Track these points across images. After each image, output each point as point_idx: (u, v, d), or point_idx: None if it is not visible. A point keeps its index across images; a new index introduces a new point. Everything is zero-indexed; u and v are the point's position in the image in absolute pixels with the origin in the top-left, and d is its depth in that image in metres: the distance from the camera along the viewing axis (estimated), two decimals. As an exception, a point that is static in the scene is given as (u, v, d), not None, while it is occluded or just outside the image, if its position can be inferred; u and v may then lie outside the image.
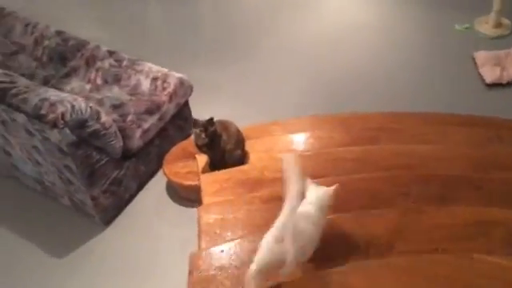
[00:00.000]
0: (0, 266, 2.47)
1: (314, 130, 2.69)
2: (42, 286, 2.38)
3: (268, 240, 1.50)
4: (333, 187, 1.61)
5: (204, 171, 2.46)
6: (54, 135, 2.16)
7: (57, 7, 4.39)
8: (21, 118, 2.19)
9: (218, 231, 1.84)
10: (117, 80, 2.78)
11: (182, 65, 3.24)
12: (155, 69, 2.78)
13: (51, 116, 2.10)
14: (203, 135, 2.32)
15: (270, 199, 1.97)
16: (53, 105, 2.14)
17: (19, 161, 2.58)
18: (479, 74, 3.43)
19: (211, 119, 2.35)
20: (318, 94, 3.41)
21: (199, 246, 1.78)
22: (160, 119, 2.65)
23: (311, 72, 3.60)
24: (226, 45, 3.94)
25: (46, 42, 2.96)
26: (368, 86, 3.45)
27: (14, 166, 2.67)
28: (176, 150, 2.73)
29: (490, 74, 3.36)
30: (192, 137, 2.42)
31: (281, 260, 1.49)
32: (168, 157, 2.70)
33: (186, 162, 2.63)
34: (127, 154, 2.56)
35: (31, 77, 2.83)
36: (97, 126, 2.28)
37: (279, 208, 1.89)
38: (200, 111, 3.01)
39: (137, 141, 2.56)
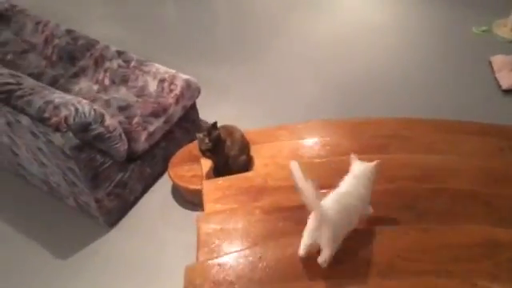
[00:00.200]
0: (4, 266, 2.49)
1: (321, 136, 2.63)
2: (45, 287, 2.40)
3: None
4: (375, 162, 1.75)
5: (208, 176, 2.44)
6: (57, 138, 2.15)
7: (69, 4, 4.40)
8: (25, 120, 2.19)
9: (216, 242, 1.82)
10: (124, 81, 2.77)
11: (191, 63, 3.22)
12: (163, 70, 2.76)
13: (54, 119, 2.10)
14: (207, 140, 2.30)
15: (270, 210, 1.94)
16: (56, 108, 2.13)
17: (25, 161, 2.59)
18: (495, 79, 3.35)
19: (215, 123, 2.32)
20: (330, 96, 3.35)
21: (197, 258, 1.76)
22: (166, 122, 2.63)
23: (322, 74, 3.54)
24: (236, 44, 3.90)
25: (56, 41, 2.96)
26: (381, 88, 3.39)
27: (20, 165, 2.68)
28: (182, 152, 2.71)
29: (506, 80, 3.28)
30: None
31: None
32: (174, 160, 2.69)
33: (191, 166, 2.61)
34: (132, 157, 2.55)
35: (40, 76, 2.84)
36: (101, 130, 2.27)
37: (279, 220, 1.88)
38: (207, 112, 3.00)
39: (142, 143, 2.54)
